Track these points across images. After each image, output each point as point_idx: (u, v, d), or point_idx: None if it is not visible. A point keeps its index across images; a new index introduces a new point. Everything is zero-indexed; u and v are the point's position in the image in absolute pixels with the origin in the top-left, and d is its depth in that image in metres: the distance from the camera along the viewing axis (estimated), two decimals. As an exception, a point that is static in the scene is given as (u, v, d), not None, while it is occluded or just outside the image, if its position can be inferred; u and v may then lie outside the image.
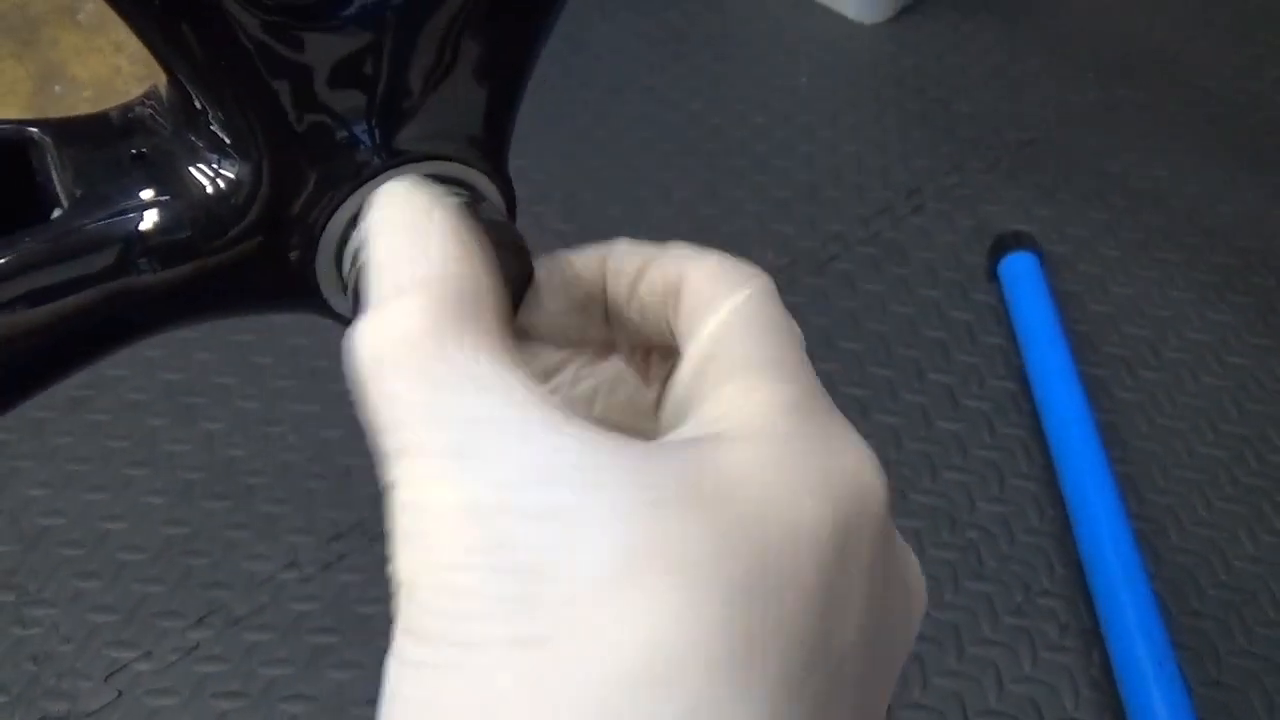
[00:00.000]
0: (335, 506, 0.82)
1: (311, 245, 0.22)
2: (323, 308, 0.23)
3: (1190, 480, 0.83)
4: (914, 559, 0.19)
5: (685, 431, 0.18)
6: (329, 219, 0.22)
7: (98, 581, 0.78)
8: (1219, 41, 1.21)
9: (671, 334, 0.21)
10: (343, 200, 0.21)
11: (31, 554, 0.79)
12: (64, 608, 0.76)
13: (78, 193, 0.20)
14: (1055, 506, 0.81)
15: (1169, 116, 1.12)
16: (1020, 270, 0.93)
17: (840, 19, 1.23)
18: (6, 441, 0.85)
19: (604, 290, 0.22)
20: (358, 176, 0.21)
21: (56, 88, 1.18)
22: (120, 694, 0.72)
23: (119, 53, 1.20)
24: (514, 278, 0.22)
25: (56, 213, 0.21)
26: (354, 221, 0.22)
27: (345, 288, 0.22)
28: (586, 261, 0.22)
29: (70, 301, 0.20)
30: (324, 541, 0.80)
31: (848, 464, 0.17)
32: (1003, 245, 0.95)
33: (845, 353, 0.91)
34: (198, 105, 0.21)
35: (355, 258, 0.22)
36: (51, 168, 0.21)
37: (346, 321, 0.23)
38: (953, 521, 0.80)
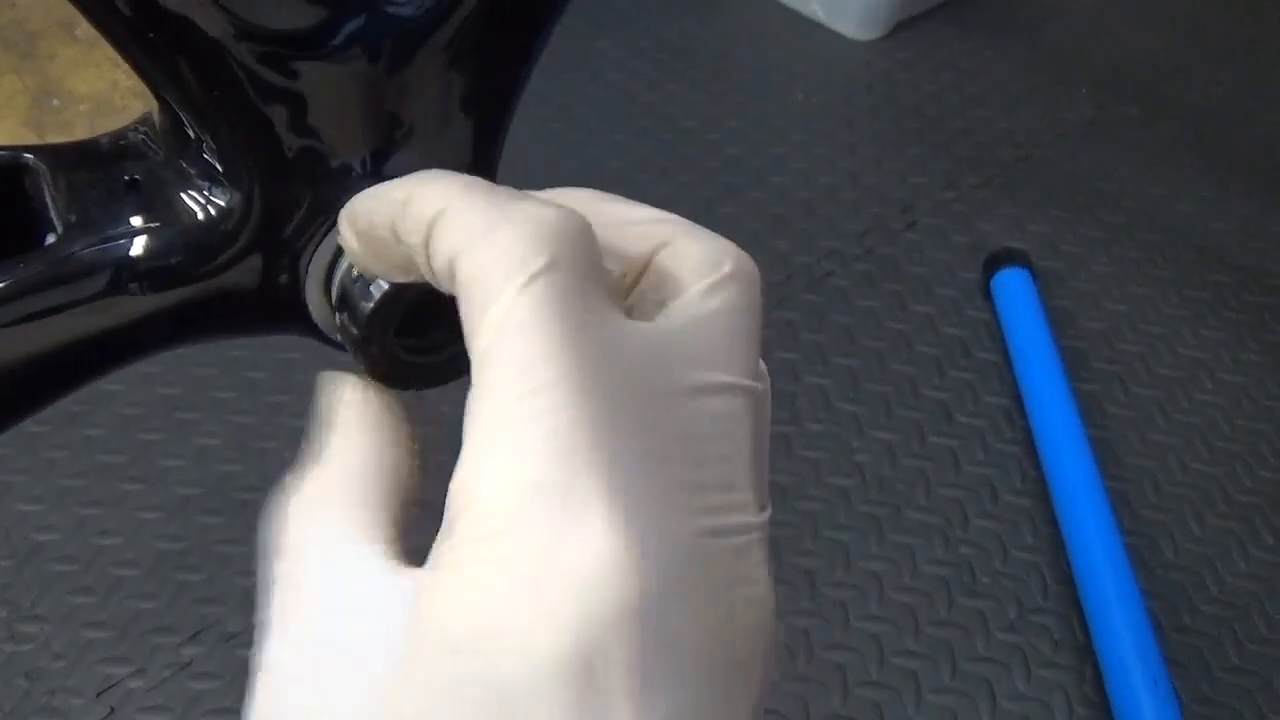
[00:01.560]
0: (329, 522, 0.82)
1: (301, 270, 0.22)
2: (311, 330, 0.23)
3: (1183, 497, 0.83)
4: (760, 588, 0.17)
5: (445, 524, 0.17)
6: (319, 245, 0.22)
7: (91, 597, 0.77)
8: (1212, 60, 1.22)
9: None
10: (332, 226, 0.22)
11: (25, 569, 0.79)
12: (57, 624, 0.76)
13: (71, 218, 0.21)
14: (1048, 523, 0.81)
15: (1162, 134, 1.13)
16: (1014, 286, 0.94)
17: (836, 36, 1.24)
18: (0, 456, 0.85)
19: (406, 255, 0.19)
20: (347, 203, 0.21)
21: (54, 102, 1.19)
22: (112, 710, 0.72)
23: (116, 67, 1.20)
24: None
25: (50, 238, 0.21)
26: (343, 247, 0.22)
27: (334, 312, 0.23)
28: (391, 197, 0.19)
29: (63, 326, 0.20)
30: (318, 557, 0.80)
31: (586, 568, 0.14)
32: (996, 261, 0.96)
33: (840, 368, 0.92)
34: (190, 132, 0.21)
35: (342, 279, 0.22)
36: (46, 193, 0.21)
37: (334, 344, 0.24)
38: (946, 538, 0.81)
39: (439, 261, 0.17)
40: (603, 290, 0.17)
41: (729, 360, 0.18)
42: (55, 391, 0.21)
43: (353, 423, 0.21)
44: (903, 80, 1.20)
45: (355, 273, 0.21)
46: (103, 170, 0.21)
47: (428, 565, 0.16)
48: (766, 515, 0.17)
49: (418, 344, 0.23)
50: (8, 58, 1.24)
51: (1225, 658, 0.74)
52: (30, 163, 0.21)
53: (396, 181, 0.19)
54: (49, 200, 0.21)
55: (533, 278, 0.16)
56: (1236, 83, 1.19)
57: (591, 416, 0.15)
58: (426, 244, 0.18)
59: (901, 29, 1.25)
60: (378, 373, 0.22)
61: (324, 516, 0.19)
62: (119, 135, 0.22)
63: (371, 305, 0.21)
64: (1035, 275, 0.95)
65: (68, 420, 0.86)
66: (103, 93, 1.18)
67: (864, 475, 0.84)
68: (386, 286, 0.21)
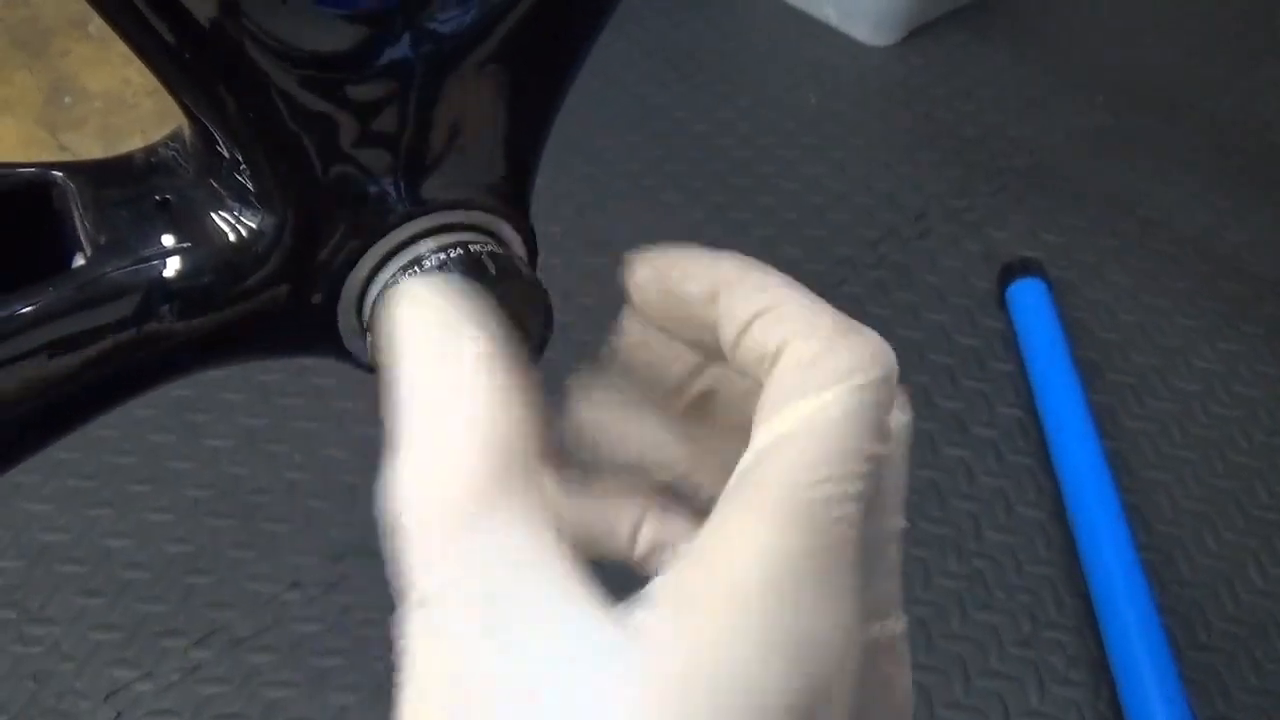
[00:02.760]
0: (339, 526, 0.82)
1: (333, 293, 0.22)
2: (341, 353, 0.23)
3: (1199, 512, 0.82)
4: (905, 679, 0.19)
5: (680, 565, 0.17)
6: (352, 268, 0.21)
7: (100, 599, 0.77)
8: (1228, 68, 1.21)
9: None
10: (366, 249, 0.21)
11: (34, 571, 0.79)
12: (65, 626, 0.76)
13: (101, 239, 0.20)
14: (1063, 536, 0.80)
15: (1178, 143, 1.13)
16: (1029, 297, 0.93)
17: (850, 41, 1.24)
18: (10, 456, 0.85)
19: (711, 326, 0.20)
20: (381, 226, 0.21)
21: (67, 99, 1.19)
22: (120, 714, 0.71)
23: (129, 65, 1.20)
24: (537, 336, 0.21)
25: (78, 258, 0.21)
26: (377, 269, 0.21)
27: (365, 334, 0.22)
28: (699, 280, 0.20)
29: (94, 349, 0.20)
30: (327, 561, 0.79)
31: (815, 643, 0.16)
32: (1011, 271, 0.95)
33: (853, 377, 0.91)
34: (222, 151, 0.21)
35: (376, 306, 0.21)
36: (74, 212, 0.21)
37: (365, 368, 0.23)
38: (959, 550, 0.80)
39: (755, 350, 0.19)
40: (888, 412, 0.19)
41: (901, 500, 0.21)
42: (84, 415, 0.21)
43: (489, 359, 0.17)
44: (916, 86, 1.19)
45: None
46: (133, 189, 0.21)
47: (661, 601, 0.16)
48: (904, 621, 0.20)
49: None
50: (20, 54, 1.23)
51: (1241, 676, 0.73)
52: (59, 180, 0.21)
53: (707, 263, 0.20)
54: (77, 219, 0.21)
55: (862, 387, 0.17)
56: (1253, 91, 1.18)
57: (849, 528, 0.17)
58: (747, 325, 0.19)
59: (915, 34, 1.24)
60: None
61: (487, 524, 0.16)
62: (149, 152, 0.22)
63: None
64: (1050, 286, 0.94)
65: (77, 421, 0.86)
66: (115, 90, 1.18)
67: (877, 485, 0.84)
68: None
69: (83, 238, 0.21)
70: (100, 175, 0.21)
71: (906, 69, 1.21)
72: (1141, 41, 1.25)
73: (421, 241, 0.21)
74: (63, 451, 0.85)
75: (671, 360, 0.22)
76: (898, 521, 0.20)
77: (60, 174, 0.21)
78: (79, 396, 0.20)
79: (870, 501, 0.18)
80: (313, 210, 0.20)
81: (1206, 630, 0.76)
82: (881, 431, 0.18)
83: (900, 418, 0.21)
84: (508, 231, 0.23)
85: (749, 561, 0.16)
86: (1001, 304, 0.95)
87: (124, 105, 1.17)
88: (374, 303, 0.21)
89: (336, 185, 0.20)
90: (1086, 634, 0.75)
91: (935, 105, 1.17)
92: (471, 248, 0.21)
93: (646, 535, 0.21)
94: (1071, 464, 0.81)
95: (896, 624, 0.20)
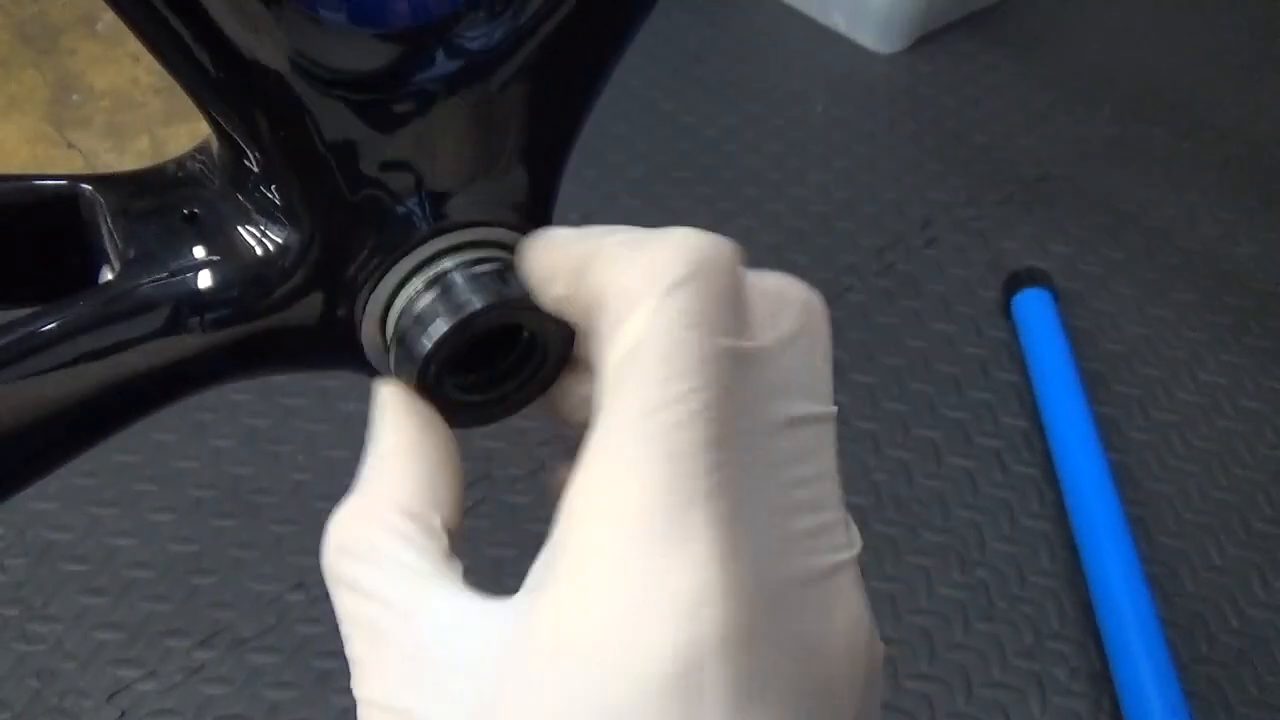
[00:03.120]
0: (343, 528, 0.82)
1: (358, 309, 0.22)
2: (364, 366, 0.23)
3: (1202, 525, 0.82)
4: (853, 610, 0.17)
5: (552, 538, 0.17)
6: (377, 284, 0.21)
7: (104, 598, 0.77)
8: (1236, 81, 1.21)
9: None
10: (391, 266, 0.21)
11: (38, 568, 0.79)
12: (69, 624, 0.76)
13: (130, 253, 0.20)
14: (1066, 547, 0.80)
15: (1185, 155, 1.13)
16: (1034, 307, 0.93)
17: (857, 48, 1.24)
18: (15, 453, 0.85)
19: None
20: (406, 243, 0.21)
21: (74, 97, 1.19)
22: (123, 714, 0.72)
23: (137, 63, 1.20)
24: (556, 353, 0.22)
25: (105, 270, 0.21)
26: (400, 285, 0.22)
27: (388, 349, 0.22)
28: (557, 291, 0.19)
29: (124, 361, 0.20)
30: (331, 563, 0.80)
31: (690, 596, 0.15)
32: (1017, 281, 0.95)
33: (858, 386, 0.91)
34: (250, 167, 0.21)
35: (401, 322, 0.21)
36: (102, 225, 0.21)
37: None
38: (963, 560, 0.80)
39: (587, 292, 0.18)
40: (739, 310, 0.17)
41: (813, 388, 0.18)
42: (113, 426, 0.21)
43: (403, 428, 0.20)
44: (924, 94, 1.19)
45: (412, 313, 0.21)
46: (160, 202, 0.21)
47: (529, 585, 0.17)
48: (857, 541, 0.18)
49: (470, 383, 0.22)
50: (28, 52, 1.24)
51: (1244, 690, 0.73)
52: (86, 192, 0.21)
53: (571, 236, 0.20)
54: (105, 232, 0.21)
55: (676, 284, 0.16)
56: (1261, 105, 1.19)
57: (708, 440, 0.16)
58: (578, 284, 0.18)
59: (923, 42, 1.24)
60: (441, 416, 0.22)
61: (391, 540, 0.19)
62: (177, 165, 0.22)
63: (428, 346, 0.21)
64: (1056, 296, 0.94)
65: (83, 419, 0.86)
66: (123, 88, 1.18)
67: (880, 495, 0.84)
68: (444, 329, 0.20)
69: (110, 250, 0.21)
70: (128, 188, 0.21)
71: (914, 76, 1.21)
72: (1150, 52, 1.25)
73: (445, 258, 0.21)
74: (68, 449, 0.85)
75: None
76: (819, 409, 0.18)
77: (88, 187, 0.21)
78: (109, 407, 0.20)
79: (749, 400, 0.16)
80: (339, 227, 0.21)
81: (1209, 643, 0.76)
82: (722, 325, 0.16)
83: (800, 294, 0.19)
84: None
85: (602, 515, 0.16)
86: (1007, 314, 0.95)
87: (131, 104, 1.17)
88: (397, 319, 0.21)
89: (363, 203, 0.20)
90: (1089, 645, 0.75)
91: (942, 113, 1.17)
92: (494, 266, 0.21)
93: None
94: (1075, 475, 0.81)
95: (837, 542, 0.18)
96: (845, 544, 0.18)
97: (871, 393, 0.91)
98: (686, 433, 0.16)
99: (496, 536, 0.81)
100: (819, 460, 0.18)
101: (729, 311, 0.17)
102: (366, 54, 0.19)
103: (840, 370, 0.92)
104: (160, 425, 0.87)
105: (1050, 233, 1.04)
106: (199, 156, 0.22)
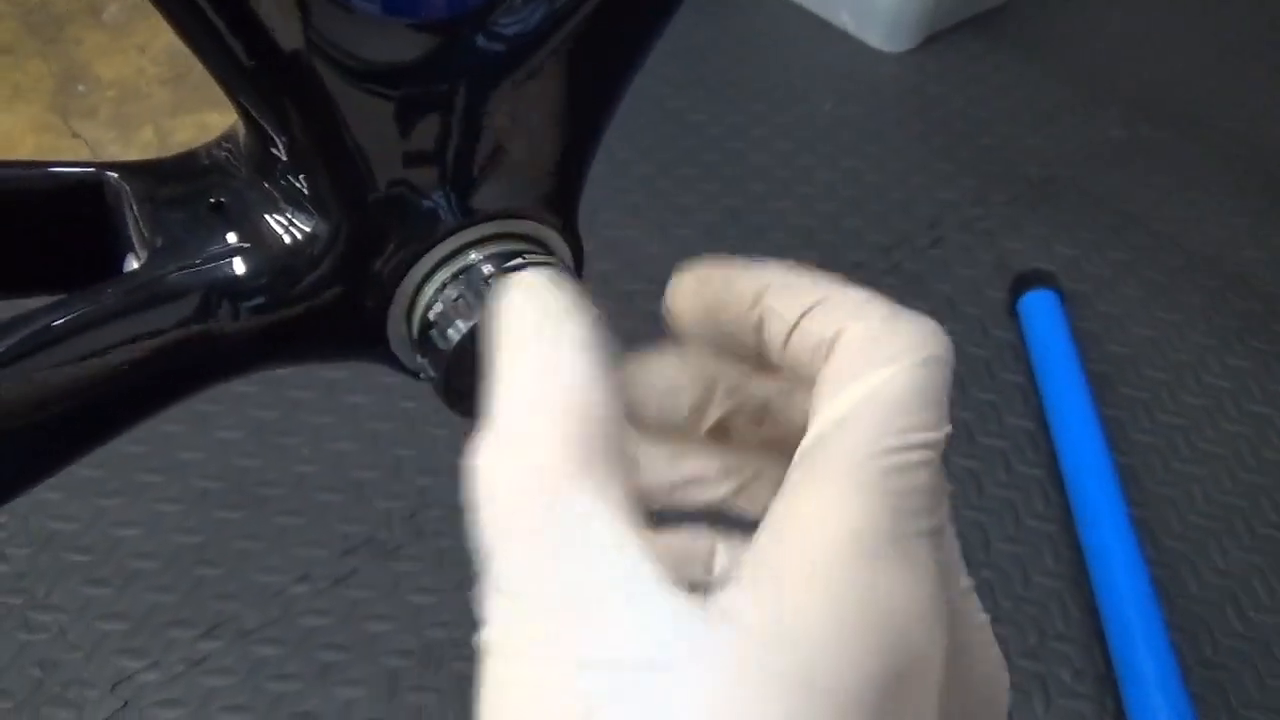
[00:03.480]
0: (348, 521, 0.82)
1: (384, 300, 0.22)
2: (390, 359, 0.23)
3: (1206, 528, 0.82)
4: (994, 654, 0.18)
5: (760, 542, 0.17)
6: (403, 276, 0.21)
7: (107, 589, 0.77)
8: (1246, 84, 1.21)
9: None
10: (418, 258, 0.21)
11: (41, 557, 0.79)
12: (72, 614, 0.76)
13: (157, 241, 0.20)
14: (1071, 549, 0.80)
15: (1192, 158, 1.13)
16: (1041, 308, 0.93)
17: (865, 47, 1.24)
18: (20, 443, 0.85)
19: (755, 329, 0.20)
20: (433, 235, 0.21)
21: (80, 87, 1.19)
22: (126, 704, 0.72)
23: (143, 54, 1.20)
24: None
25: (130, 259, 0.21)
26: (427, 277, 0.21)
27: (414, 343, 0.22)
28: (744, 284, 0.20)
29: (152, 349, 0.20)
30: (336, 556, 0.80)
31: (894, 622, 0.16)
32: (1023, 282, 0.95)
33: (863, 384, 0.91)
34: (277, 155, 0.21)
35: (427, 315, 0.21)
36: (127, 213, 0.21)
37: (412, 374, 0.23)
38: (967, 561, 0.80)
39: (809, 340, 0.19)
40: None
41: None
42: (134, 417, 0.21)
43: (586, 345, 0.17)
44: (932, 94, 1.19)
45: (439, 308, 0.21)
46: (187, 190, 0.21)
47: (743, 582, 0.16)
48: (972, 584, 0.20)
49: None
50: (33, 42, 1.23)
51: (1248, 693, 0.73)
52: (111, 180, 0.21)
53: (748, 270, 0.20)
54: (130, 220, 0.21)
55: (925, 362, 0.18)
56: (1270, 107, 1.18)
57: (932, 489, 0.17)
58: (799, 318, 0.19)
59: (931, 41, 1.24)
60: (457, 406, 0.22)
61: (569, 504, 0.16)
62: (203, 153, 0.22)
63: (454, 343, 0.21)
64: (1062, 297, 0.94)
65: (88, 409, 0.86)
66: (129, 79, 1.18)
67: (885, 493, 0.84)
68: (466, 327, 0.20)
69: (135, 238, 0.21)
70: (153, 175, 0.21)
71: (922, 76, 1.21)
72: (1159, 55, 1.25)
73: (471, 251, 0.21)
74: (73, 439, 0.85)
75: (682, 388, 0.22)
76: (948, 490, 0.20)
77: (113, 174, 0.21)
78: (135, 396, 0.20)
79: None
80: (367, 218, 0.20)
81: (1213, 646, 0.76)
82: (945, 409, 0.18)
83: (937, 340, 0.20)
84: (555, 241, 0.23)
85: (825, 535, 0.16)
86: (1013, 314, 0.95)
87: (137, 95, 1.17)
88: (423, 311, 0.21)
89: (391, 196, 0.20)
90: (1093, 647, 0.75)
91: (950, 113, 1.17)
92: (520, 258, 0.21)
93: (722, 562, 0.21)
94: (1081, 477, 0.81)
95: (968, 585, 0.20)
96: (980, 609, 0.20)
97: (877, 392, 0.91)
98: (916, 477, 0.17)
99: (375, 609, 0.78)
100: (954, 531, 0.20)
101: (946, 400, 0.19)
102: (400, 45, 0.19)
103: (846, 369, 0.93)
104: (166, 416, 0.86)
105: (1056, 233, 1.04)
106: (224, 144, 0.22)
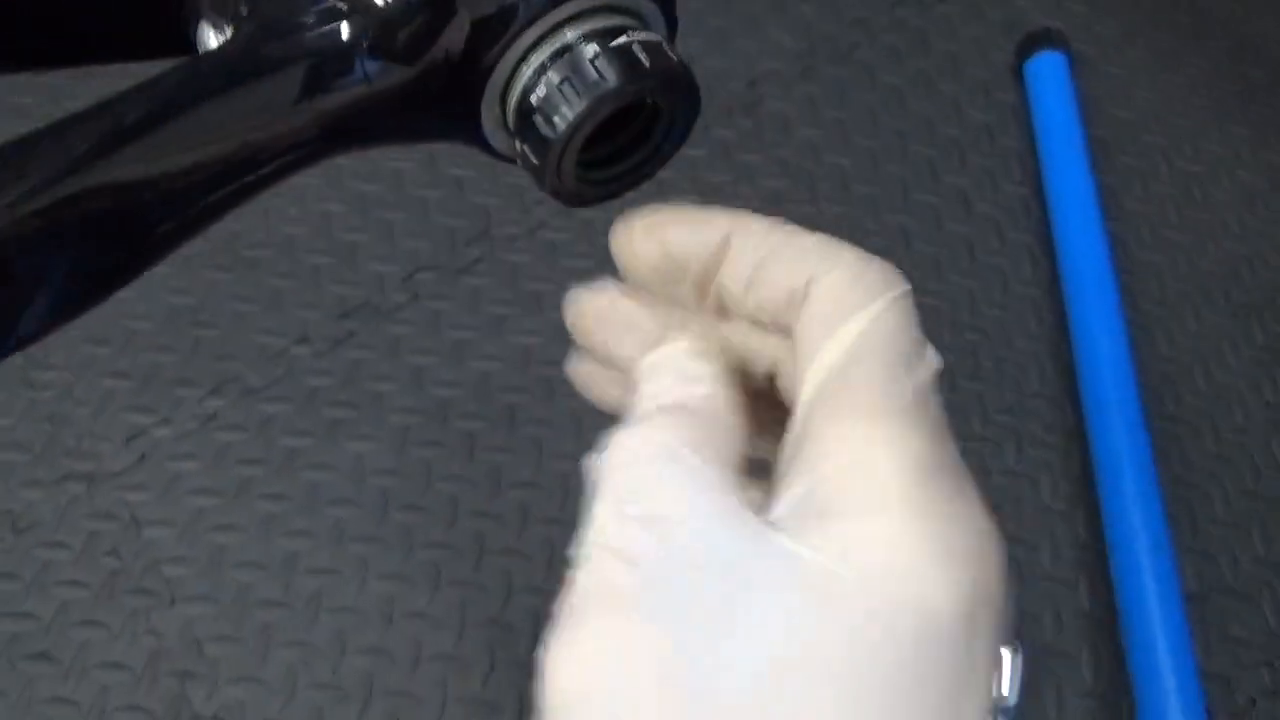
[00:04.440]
0: (342, 284, 0.81)
1: (480, 80, 0.20)
2: (479, 140, 0.22)
3: (1185, 294, 0.85)
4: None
5: (799, 490, 0.18)
6: (500, 57, 0.20)
7: (107, 348, 0.77)
8: None
9: (791, 348, 0.20)
10: (514, 39, 0.20)
11: (35, 318, 0.78)
12: (76, 371, 0.76)
13: (241, 8, 0.18)
14: (1055, 313, 0.83)
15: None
16: (1048, 72, 0.90)
17: None
18: None
19: (712, 277, 0.21)
20: (528, 13, 0.19)
21: None
22: (143, 457, 0.74)
23: None
24: (683, 120, 0.21)
25: (203, 26, 0.19)
26: (521, 60, 0.20)
27: (506, 124, 0.21)
28: (704, 232, 0.20)
29: (248, 126, 0.19)
30: (333, 318, 0.80)
31: (970, 539, 0.17)
32: (1032, 42, 0.92)
33: (860, 149, 0.90)
34: None
35: (527, 99, 0.20)
36: None
37: (503, 157, 0.22)
38: (954, 324, 0.83)
39: (777, 291, 0.20)
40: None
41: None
42: (234, 202, 0.20)
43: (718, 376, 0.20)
44: None
45: (540, 91, 0.20)
46: None
47: (794, 513, 0.17)
48: None
49: (588, 160, 0.22)
50: None
51: (1204, 446, 0.79)
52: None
53: (706, 217, 0.21)
54: None
55: (900, 298, 0.19)
56: None
57: (946, 421, 0.19)
58: (762, 268, 0.20)
59: None
60: (560, 192, 0.21)
61: (683, 470, 0.18)
62: None
63: (561, 128, 0.20)
64: (1071, 59, 0.91)
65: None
66: None
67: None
68: (573, 115, 0.19)
69: (208, 3, 0.19)
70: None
71: None
72: None
73: (568, 27, 0.20)
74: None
75: (641, 328, 0.22)
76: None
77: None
78: (228, 179, 0.19)
79: None
80: None
81: (1177, 403, 0.80)
82: (925, 341, 0.20)
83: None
84: (649, 10, 0.21)
85: (891, 466, 0.17)
86: (1018, 75, 0.93)
87: None
88: (522, 94, 0.20)
89: None
90: (1065, 405, 0.79)
91: None
92: (624, 35, 0.20)
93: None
94: (1071, 245, 0.83)
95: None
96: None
97: (874, 156, 0.89)
98: (935, 405, 0.19)
99: (498, 294, 0.82)
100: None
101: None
102: None
103: (844, 132, 0.91)
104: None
105: (1069, -10, 0.99)
106: None
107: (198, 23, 0.19)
